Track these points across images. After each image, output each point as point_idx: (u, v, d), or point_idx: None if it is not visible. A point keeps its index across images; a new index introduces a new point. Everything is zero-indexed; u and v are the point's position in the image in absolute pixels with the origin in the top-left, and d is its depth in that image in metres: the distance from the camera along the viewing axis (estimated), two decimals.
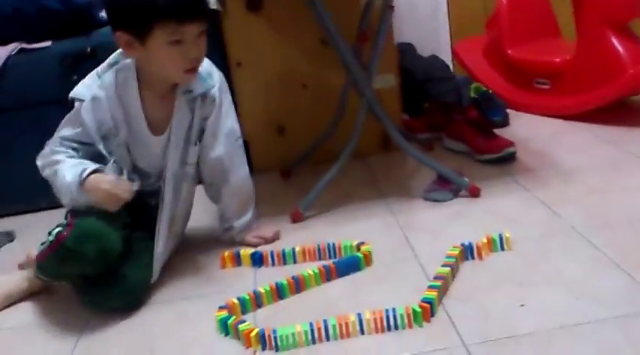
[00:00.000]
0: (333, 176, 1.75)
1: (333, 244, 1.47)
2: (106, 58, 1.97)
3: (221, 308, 1.26)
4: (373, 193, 1.82)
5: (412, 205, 1.70)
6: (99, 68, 1.43)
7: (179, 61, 1.33)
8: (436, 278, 1.25)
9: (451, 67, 2.73)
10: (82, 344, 1.28)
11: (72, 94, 1.42)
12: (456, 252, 1.34)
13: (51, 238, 1.32)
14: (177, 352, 1.20)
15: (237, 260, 1.51)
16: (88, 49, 1.99)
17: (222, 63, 2.09)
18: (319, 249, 1.47)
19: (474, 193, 1.67)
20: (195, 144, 1.48)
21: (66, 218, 1.38)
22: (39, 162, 1.43)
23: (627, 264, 1.23)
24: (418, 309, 1.15)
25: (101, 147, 1.41)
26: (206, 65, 1.47)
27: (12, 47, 2.03)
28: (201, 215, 1.87)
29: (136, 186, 1.41)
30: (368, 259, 1.40)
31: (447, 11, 2.99)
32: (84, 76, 1.93)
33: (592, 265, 1.26)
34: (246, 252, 1.51)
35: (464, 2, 2.96)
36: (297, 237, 1.60)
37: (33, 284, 1.49)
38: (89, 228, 1.31)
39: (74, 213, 1.36)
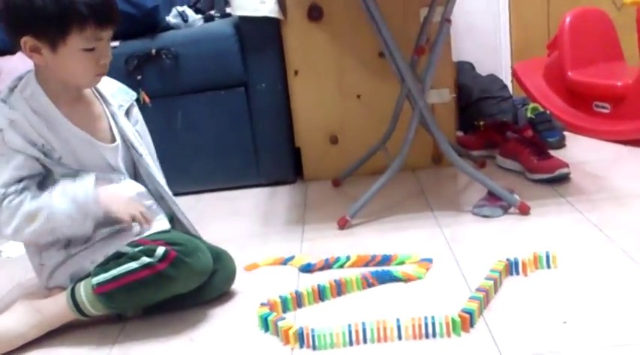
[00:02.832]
0: (382, 185, 1.76)
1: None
2: (170, 59, 2.07)
3: (262, 304, 1.29)
4: (421, 205, 1.82)
5: (460, 219, 1.69)
6: (1, 95, 1.31)
7: (90, 67, 1.28)
8: (478, 290, 1.25)
9: (510, 87, 2.72)
10: (128, 328, 1.32)
11: None
12: (501, 267, 1.33)
13: (135, 265, 1.24)
14: (216, 344, 1.23)
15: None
16: (153, 51, 2.07)
17: (281, 71, 2.15)
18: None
19: (524, 211, 1.65)
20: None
21: (140, 252, 1.26)
22: (7, 231, 1.27)
23: None
24: (457, 319, 1.15)
25: (49, 164, 1.29)
26: (118, 83, 1.48)
27: None
28: (248, 216, 1.92)
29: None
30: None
31: (509, 32, 2.98)
32: (147, 76, 2.05)
33: None
34: (299, 260, 1.54)
35: (526, 22, 2.94)
36: (342, 243, 1.61)
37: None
38: (195, 244, 1.31)
39: (154, 240, 1.29)
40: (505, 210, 1.68)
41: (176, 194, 1.50)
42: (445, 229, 1.63)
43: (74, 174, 1.32)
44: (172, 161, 1.60)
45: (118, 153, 1.39)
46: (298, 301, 1.32)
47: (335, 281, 1.36)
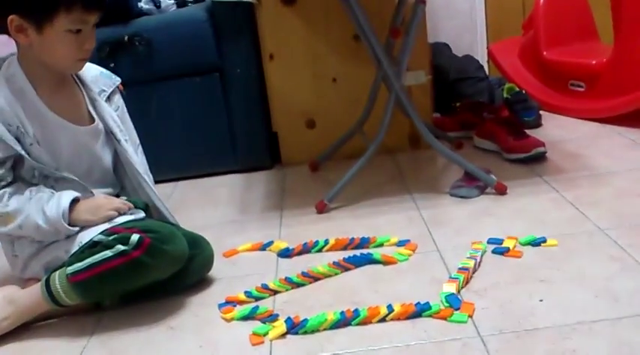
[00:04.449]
0: (360, 168, 1.76)
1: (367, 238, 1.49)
2: (143, 46, 2.03)
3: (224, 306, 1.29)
4: (399, 188, 1.82)
5: (438, 201, 1.69)
6: None
7: (74, 51, 1.28)
8: (460, 269, 1.26)
9: (486, 67, 2.72)
10: (106, 318, 1.31)
11: None
12: (480, 247, 1.34)
13: (109, 253, 1.22)
14: (196, 331, 1.22)
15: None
16: (126, 38, 2.03)
17: (255, 55, 2.13)
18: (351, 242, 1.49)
19: (501, 191, 1.66)
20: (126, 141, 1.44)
21: (113, 240, 1.25)
22: None
23: None
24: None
25: (19, 149, 1.27)
26: (101, 68, 1.47)
27: None
28: (226, 203, 1.90)
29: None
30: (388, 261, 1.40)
31: (485, 12, 2.98)
32: (120, 64, 2.01)
33: (615, 265, 1.24)
34: (277, 246, 1.54)
35: (502, 2, 2.94)
36: (321, 227, 1.61)
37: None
38: (170, 230, 1.30)
39: (129, 228, 1.27)
40: (482, 191, 1.69)
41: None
42: (423, 211, 1.63)
43: (53, 181, 1.33)
44: (148, 148, 1.58)
45: (99, 138, 1.39)
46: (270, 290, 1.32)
47: (304, 273, 1.36)
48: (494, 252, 1.35)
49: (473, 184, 1.69)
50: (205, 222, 1.72)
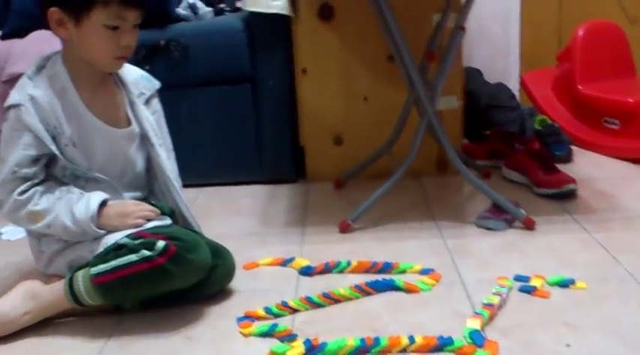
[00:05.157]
0: (386, 191, 1.74)
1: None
2: (179, 51, 2.04)
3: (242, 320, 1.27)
4: (424, 214, 1.80)
5: (463, 231, 1.67)
6: (28, 72, 1.32)
7: (111, 47, 1.28)
8: (485, 305, 1.23)
9: (517, 96, 2.69)
10: (125, 322, 1.30)
11: (7, 103, 1.29)
12: (507, 283, 1.31)
13: (134, 258, 1.22)
14: (213, 343, 1.20)
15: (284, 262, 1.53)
16: (162, 42, 2.04)
17: (288, 68, 2.12)
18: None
19: (529, 226, 1.63)
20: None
21: (140, 245, 1.24)
22: (8, 215, 1.31)
23: None
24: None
25: (54, 149, 1.28)
26: (142, 71, 1.47)
27: None
28: (248, 213, 1.89)
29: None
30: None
31: (519, 39, 2.95)
32: (155, 67, 2.01)
33: None
34: (299, 263, 1.52)
35: (537, 32, 2.92)
36: (343, 247, 1.59)
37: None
38: (195, 239, 1.29)
39: (155, 233, 1.27)
40: (509, 224, 1.66)
41: None
42: (448, 240, 1.60)
43: (83, 181, 1.33)
44: (175, 153, 1.57)
45: (134, 141, 1.39)
46: (290, 309, 1.30)
47: (324, 294, 1.34)
48: (521, 290, 1.32)
49: (501, 217, 1.66)
50: (227, 232, 1.71)
